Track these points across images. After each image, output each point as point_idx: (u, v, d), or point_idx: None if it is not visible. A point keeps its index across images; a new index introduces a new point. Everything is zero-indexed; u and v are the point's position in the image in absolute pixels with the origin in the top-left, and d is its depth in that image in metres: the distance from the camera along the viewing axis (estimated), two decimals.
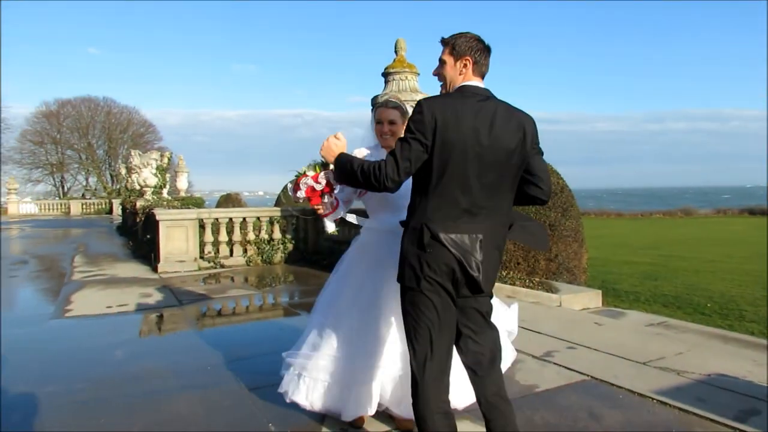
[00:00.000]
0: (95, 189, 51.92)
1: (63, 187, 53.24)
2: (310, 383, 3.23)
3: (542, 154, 2.69)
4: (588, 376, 4.04)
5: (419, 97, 8.30)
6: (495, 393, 2.59)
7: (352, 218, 3.36)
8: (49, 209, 38.54)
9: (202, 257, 10.03)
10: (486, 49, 2.59)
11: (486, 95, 2.53)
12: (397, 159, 2.41)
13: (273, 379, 4.02)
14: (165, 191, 18.24)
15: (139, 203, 14.13)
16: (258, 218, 10.62)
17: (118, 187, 35.16)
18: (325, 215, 3.08)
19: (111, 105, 53.19)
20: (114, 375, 4.24)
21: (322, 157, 2.78)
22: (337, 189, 2.99)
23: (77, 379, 4.16)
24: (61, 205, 39.42)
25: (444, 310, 2.49)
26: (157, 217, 9.79)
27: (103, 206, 37.69)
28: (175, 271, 9.48)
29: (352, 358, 3.15)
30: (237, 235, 10.43)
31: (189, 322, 5.99)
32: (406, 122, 2.50)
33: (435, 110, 2.39)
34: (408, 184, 2.56)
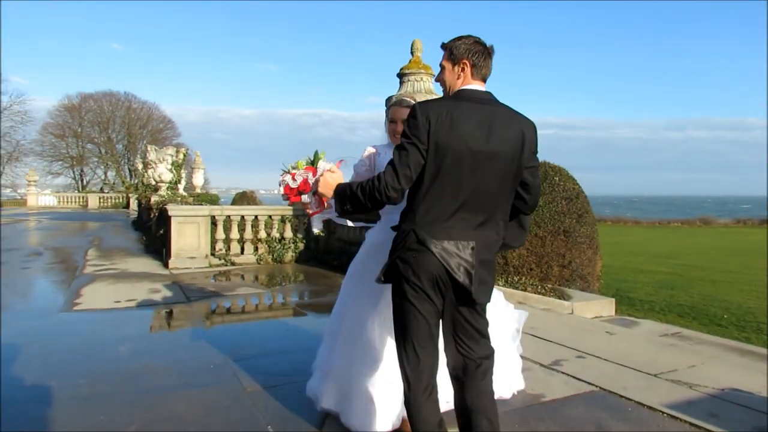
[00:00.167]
0: (113, 183, 52.50)
1: (82, 181, 53.91)
2: (340, 393, 3.14)
3: (538, 163, 2.59)
4: (597, 386, 3.93)
5: (434, 98, 8.21)
6: (474, 405, 2.43)
7: (342, 220, 3.28)
8: (67, 202, 39.02)
9: (213, 254, 10.03)
10: (485, 52, 2.49)
11: (486, 98, 2.45)
12: (395, 167, 2.33)
13: (274, 379, 3.99)
14: (181, 187, 18.33)
15: (154, 198, 14.19)
16: (270, 216, 10.61)
17: (135, 181, 35.47)
18: (312, 214, 3.01)
19: (132, 100, 53.88)
20: (116, 371, 4.21)
21: (322, 194, 2.68)
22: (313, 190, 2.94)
23: (79, 374, 4.14)
24: (79, 198, 39.89)
25: (430, 316, 2.42)
26: (170, 213, 9.81)
27: (120, 200, 38.07)
28: (186, 268, 9.49)
29: (374, 368, 3.04)
30: (248, 233, 10.42)
31: (195, 320, 5.96)
32: (404, 130, 2.39)
33: (429, 113, 2.32)
34: None
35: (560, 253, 8.78)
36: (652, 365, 4.40)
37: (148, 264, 10.13)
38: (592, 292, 8.51)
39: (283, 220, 10.62)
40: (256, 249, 10.39)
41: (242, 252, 10.30)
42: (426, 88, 9.46)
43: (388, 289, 2.66)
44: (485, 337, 2.51)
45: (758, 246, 24.12)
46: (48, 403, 3.59)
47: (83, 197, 39.87)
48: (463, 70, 2.47)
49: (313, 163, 2.94)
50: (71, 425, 3.28)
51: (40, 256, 11.36)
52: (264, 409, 3.51)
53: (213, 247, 10.12)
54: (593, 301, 7.50)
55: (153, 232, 12.75)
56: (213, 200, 18.57)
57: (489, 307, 2.54)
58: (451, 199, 2.35)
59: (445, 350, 2.52)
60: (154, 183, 15.46)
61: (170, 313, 6.29)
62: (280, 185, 2.99)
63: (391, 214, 3.16)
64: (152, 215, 13.25)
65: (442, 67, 2.55)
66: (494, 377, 2.53)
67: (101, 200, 39.02)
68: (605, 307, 7.47)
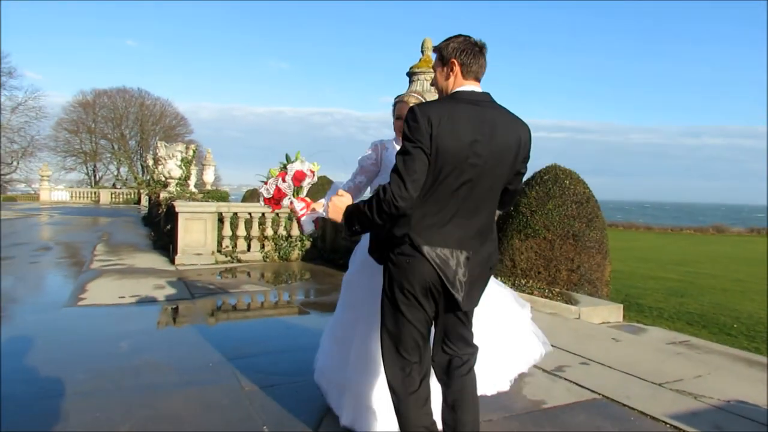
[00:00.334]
0: (126, 179, 52.82)
1: (95, 176, 54.29)
2: (361, 407, 3.02)
3: (526, 170, 2.55)
4: (599, 394, 3.86)
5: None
6: (457, 400, 2.46)
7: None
8: (79, 197, 39.29)
9: (219, 251, 10.03)
10: (474, 50, 2.41)
11: (484, 100, 2.39)
12: (401, 174, 2.22)
13: (272, 379, 3.96)
14: (192, 184, 18.39)
15: (162, 194, 14.24)
16: (277, 214, 10.58)
17: (147, 177, 35.67)
18: (299, 217, 2.98)
19: (145, 96, 54.16)
20: (116, 367, 4.20)
21: (332, 219, 2.53)
22: (288, 194, 2.90)
23: (79, 369, 4.13)
24: (91, 193, 40.17)
25: (420, 324, 2.40)
26: (177, 209, 9.82)
27: (132, 196, 38.28)
28: (192, 264, 9.50)
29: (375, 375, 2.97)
30: (255, 231, 10.41)
31: (198, 317, 5.94)
32: (404, 132, 2.29)
33: (430, 115, 2.23)
34: None
35: (569, 257, 8.70)
36: (657, 374, 4.32)
37: (155, 260, 10.15)
38: (601, 298, 8.42)
39: (290, 218, 10.59)
40: (263, 246, 10.38)
41: (249, 249, 10.29)
42: None
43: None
44: (471, 339, 2.54)
45: None
46: (46, 399, 3.59)
47: (95, 192, 40.13)
48: (452, 70, 2.41)
49: (285, 167, 2.92)
50: (68, 421, 3.27)
51: (49, 251, 11.41)
52: (261, 409, 3.48)
53: (220, 244, 10.13)
54: (601, 306, 7.41)
55: (161, 228, 12.79)
56: (223, 197, 18.58)
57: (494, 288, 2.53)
58: (448, 205, 2.30)
59: (432, 351, 2.51)
60: (163, 179, 15.52)
61: (173, 310, 6.28)
62: (260, 199, 2.99)
63: None
64: (161, 211, 13.30)
65: (434, 70, 2.51)
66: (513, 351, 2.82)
67: (113, 196, 39.26)
68: (613, 312, 7.38)
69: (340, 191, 2.57)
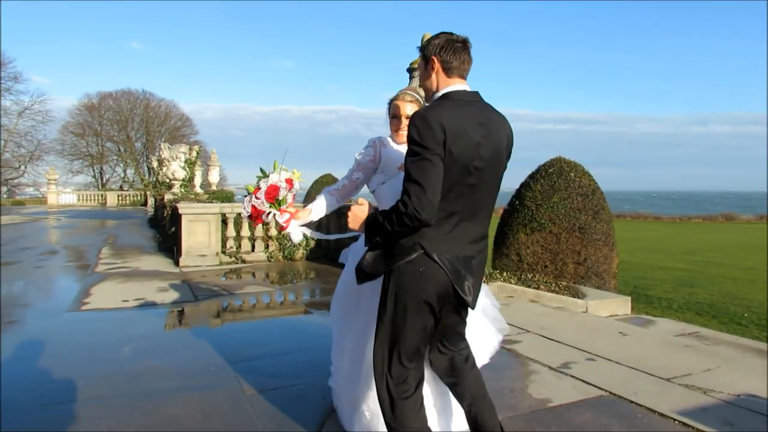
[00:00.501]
0: (133, 181, 53.03)
1: (102, 179, 54.55)
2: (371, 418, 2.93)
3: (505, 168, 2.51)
4: (606, 391, 3.79)
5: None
6: (475, 392, 2.53)
7: (319, 234, 3.17)
8: (86, 200, 39.47)
9: (223, 252, 10.01)
10: (455, 47, 2.34)
11: (476, 99, 2.34)
12: (422, 184, 2.12)
13: (274, 382, 3.93)
14: (198, 184, 18.39)
15: (167, 196, 14.24)
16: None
17: (153, 179, 35.79)
18: (282, 229, 2.91)
19: (150, 98, 54.38)
20: (117, 373, 4.17)
21: (351, 229, 2.43)
22: (266, 210, 2.84)
23: (80, 375, 4.10)
24: (98, 196, 40.35)
25: (424, 331, 2.38)
26: (180, 211, 9.80)
27: (139, 198, 38.44)
28: (196, 266, 9.48)
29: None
30: (259, 231, 10.37)
31: (201, 319, 5.91)
32: (413, 137, 2.19)
33: (442, 121, 2.16)
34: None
35: (575, 250, 8.62)
36: (665, 369, 4.25)
37: (159, 262, 10.14)
38: (608, 290, 8.34)
39: None
40: (267, 246, 10.35)
41: (253, 249, 10.26)
42: None
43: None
44: (465, 333, 2.61)
45: None
46: (45, 406, 3.56)
47: (102, 195, 40.31)
48: (432, 68, 2.36)
49: (260, 181, 2.85)
50: (67, 429, 3.24)
51: (55, 255, 11.43)
52: (262, 413, 3.44)
53: (224, 245, 10.11)
54: (608, 299, 7.34)
55: (166, 230, 12.79)
56: (228, 197, 18.56)
57: None
58: (454, 210, 2.27)
59: (429, 356, 2.51)
60: (168, 180, 15.51)
61: (177, 313, 6.25)
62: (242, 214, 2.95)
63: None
64: (165, 213, 13.29)
65: (420, 69, 2.46)
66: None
67: (120, 198, 39.42)
68: (621, 305, 7.31)
69: (360, 199, 2.47)
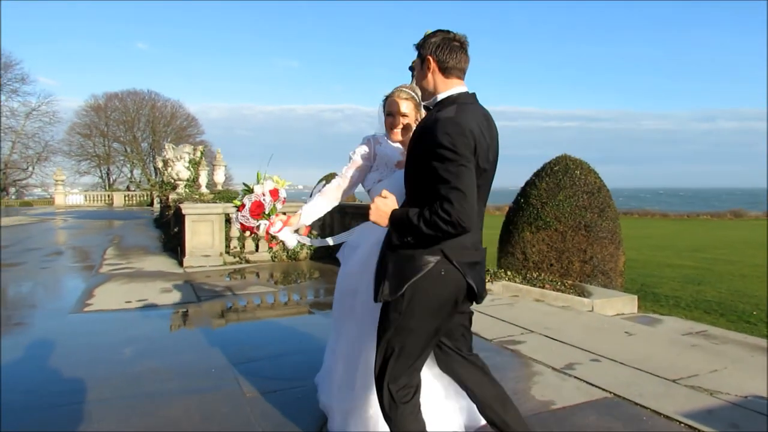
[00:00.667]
0: (139, 181, 53.18)
1: (109, 179, 54.73)
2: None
3: None
4: (610, 393, 3.73)
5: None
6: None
7: (319, 241, 3.12)
8: (93, 200, 39.63)
9: (227, 252, 9.99)
10: (452, 45, 2.29)
11: (477, 101, 2.33)
12: (464, 191, 2.06)
13: (274, 384, 3.89)
14: (204, 184, 18.37)
15: (171, 196, 14.24)
16: (284, 213, 10.52)
17: (160, 179, 35.89)
18: (271, 244, 2.89)
19: (156, 98, 54.46)
20: (117, 375, 4.14)
21: (374, 222, 2.29)
22: (254, 224, 2.80)
23: (81, 378, 4.08)
24: (105, 196, 40.50)
25: (435, 336, 2.39)
26: (183, 211, 9.78)
27: (145, 198, 38.55)
28: (200, 266, 9.46)
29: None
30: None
31: (203, 320, 5.88)
32: (445, 144, 2.10)
33: (471, 127, 2.13)
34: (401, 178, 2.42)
35: (581, 248, 8.55)
36: (671, 369, 4.18)
37: (163, 262, 10.13)
38: (615, 288, 8.27)
39: None
40: (271, 246, 10.31)
41: (257, 249, 10.23)
42: None
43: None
44: (469, 327, 2.68)
45: None
46: (45, 409, 3.55)
47: (109, 195, 40.46)
48: (429, 67, 2.31)
49: (245, 192, 2.82)
50: (67, 430, 3.22)
51: (60, 255, 11.46)
52: (261, 416, 3.41)
53: (227, 245, 10.08)
54: (615, 298, 7.27)
55: (171, 230, 12.79)
56: (233, 197, 18.56)
57: None
58: None
59: (449, 367, 2.60)
60: (172, 181, 15.52)
61: (179, 314, 6.22)
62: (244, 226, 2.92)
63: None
64: (169, 213, 13.30)
65: (416, 68, 2.42)
66: None
67: (126, 198, 39.55)
68: (627, 304, 7.24)
69: (384, 192, 2.32)
